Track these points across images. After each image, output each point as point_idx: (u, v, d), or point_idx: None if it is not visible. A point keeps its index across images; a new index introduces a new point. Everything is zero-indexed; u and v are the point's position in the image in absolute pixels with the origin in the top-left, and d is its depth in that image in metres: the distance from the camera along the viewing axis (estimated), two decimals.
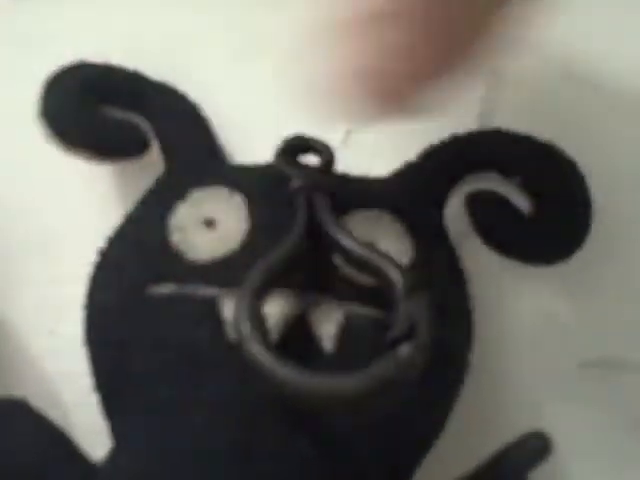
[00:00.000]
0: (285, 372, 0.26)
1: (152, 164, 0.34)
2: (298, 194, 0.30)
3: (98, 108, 0.34)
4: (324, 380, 0.26)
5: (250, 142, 0.36)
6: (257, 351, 0.26)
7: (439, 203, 0.33)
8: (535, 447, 0.30)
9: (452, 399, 0.31)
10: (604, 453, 0.34)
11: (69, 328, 0.32)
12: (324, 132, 0.33)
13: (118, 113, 0.34)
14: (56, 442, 0.30)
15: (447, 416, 0.31)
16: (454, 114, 0.35)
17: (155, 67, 0.35)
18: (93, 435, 0.30)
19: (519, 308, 0.35)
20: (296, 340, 0.29)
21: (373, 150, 0.36)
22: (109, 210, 0.35)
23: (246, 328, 0.27)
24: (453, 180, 0.34)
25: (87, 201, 0.36)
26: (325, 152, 0.32)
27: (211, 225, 0.31)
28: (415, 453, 0.30)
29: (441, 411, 0.31)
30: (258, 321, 0.27)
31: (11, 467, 0.29)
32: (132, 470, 0.29)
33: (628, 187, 0.36)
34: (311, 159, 0.32)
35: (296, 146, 0.32)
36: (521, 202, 0.33)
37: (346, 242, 0.29)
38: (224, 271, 0.30)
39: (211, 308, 0.29)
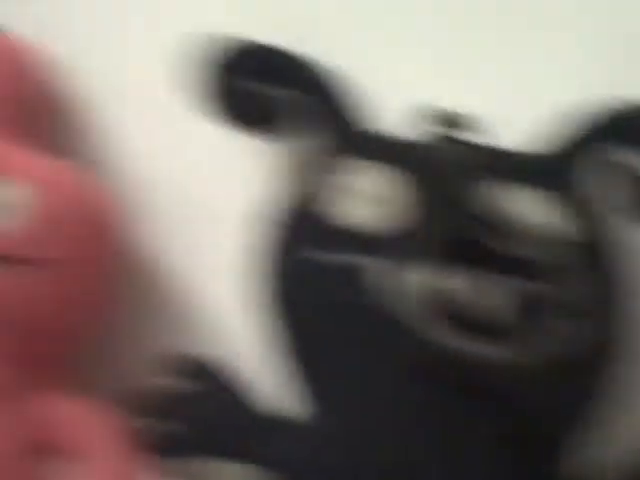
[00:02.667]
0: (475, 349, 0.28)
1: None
2: (469, 174, 0.32)
3: (262, 87, 0.35)
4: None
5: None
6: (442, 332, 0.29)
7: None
8: None
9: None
10: None
11: None
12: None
13: (277, 90, 0.35)
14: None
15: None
16: None
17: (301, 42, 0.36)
18: None
19: None
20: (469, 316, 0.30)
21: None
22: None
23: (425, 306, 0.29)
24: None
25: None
26: (473, 127, 0.33)
27: (374, 199, 0.33)
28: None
29: None
30: (443, 298, 0.29)
31: None
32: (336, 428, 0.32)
33: None
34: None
35: (446, 121, 0.34)
36: None
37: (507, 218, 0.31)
38: (394, 244, 0.31)
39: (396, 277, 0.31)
